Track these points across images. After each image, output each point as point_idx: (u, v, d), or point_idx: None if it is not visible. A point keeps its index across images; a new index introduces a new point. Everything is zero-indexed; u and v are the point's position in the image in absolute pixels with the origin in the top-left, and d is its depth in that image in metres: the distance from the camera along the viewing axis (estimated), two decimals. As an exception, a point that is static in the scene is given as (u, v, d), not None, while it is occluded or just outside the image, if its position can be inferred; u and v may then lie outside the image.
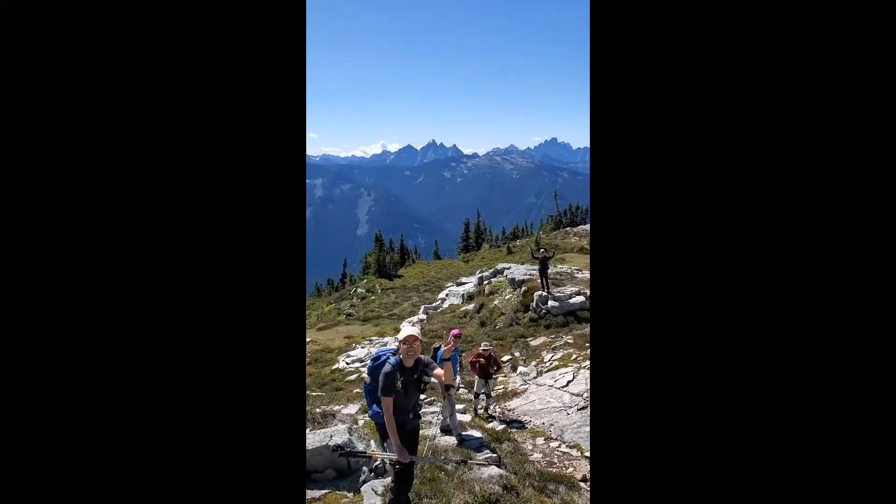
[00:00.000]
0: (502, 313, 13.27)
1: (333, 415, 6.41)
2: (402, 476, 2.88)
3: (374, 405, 3.01)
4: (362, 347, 12.48)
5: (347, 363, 11.14)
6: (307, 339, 14.02)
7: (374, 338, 13.65)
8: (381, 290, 20.77)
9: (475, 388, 6.74)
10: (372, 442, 4.90)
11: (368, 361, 3.17)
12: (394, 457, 2.82)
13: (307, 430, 5.59)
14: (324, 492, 4.08)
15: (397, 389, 2.83)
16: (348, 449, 3.88)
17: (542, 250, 13.00)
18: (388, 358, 2.93)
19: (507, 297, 14.17)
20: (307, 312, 19.30)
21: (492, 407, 6.86)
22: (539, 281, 12.38)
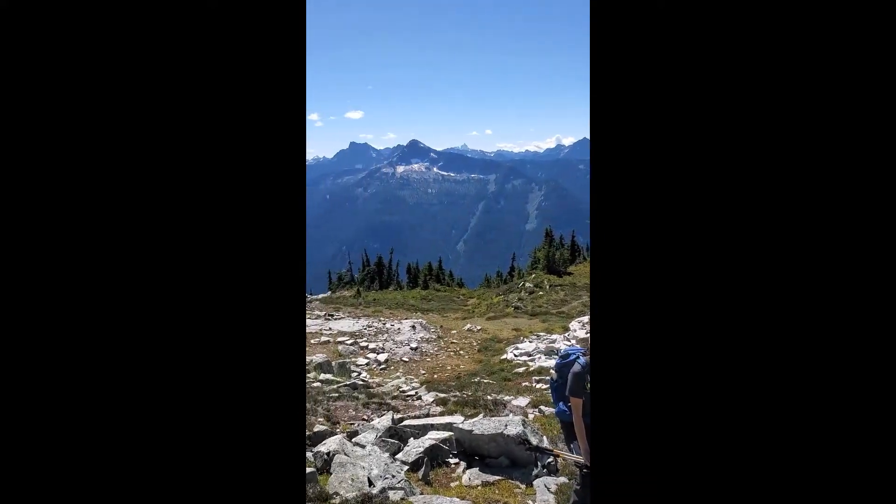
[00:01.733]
0: (687, 324, 11.91)
1: (504, 404, 6.57)
2: (590, 481, 2.79)
3: (561, 403, 2.96)
4: (530, 342, 12.49)
5: (515, 355, 11.27)
6: (477, 328, 14.60)
7: (541, 333, 13.54)
8: (550, 286, 20.49)
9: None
10: (545, 437, 4.88)
11: (556, 358, 3.13)
12: (580, 459, 2.74)
13: (480, 416, 5.82)
14: (497, 478, 4.20)
15: (586, 391, 2.74)
16: (533, 445, 3.92)
17: None
18: (578, 358, 2.85)
19: (694, 306, 12.66)
20: (477, 301, 20.09)
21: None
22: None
